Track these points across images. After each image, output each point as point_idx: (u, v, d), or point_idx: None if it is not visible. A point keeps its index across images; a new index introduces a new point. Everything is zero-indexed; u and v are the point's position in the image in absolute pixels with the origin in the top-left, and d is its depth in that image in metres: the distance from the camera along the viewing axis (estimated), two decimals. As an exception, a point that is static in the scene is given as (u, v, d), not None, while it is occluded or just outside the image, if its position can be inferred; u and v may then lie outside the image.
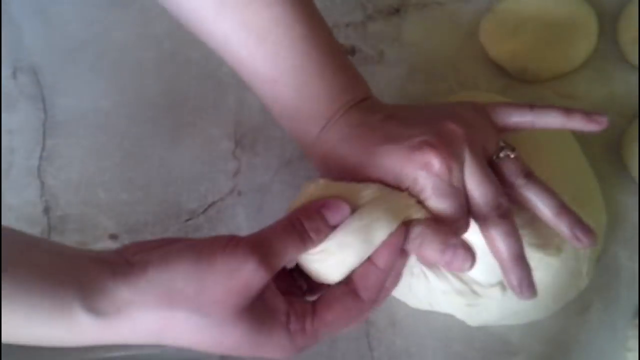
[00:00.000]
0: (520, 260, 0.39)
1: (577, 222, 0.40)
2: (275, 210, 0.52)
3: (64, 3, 0.61)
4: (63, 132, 0.56)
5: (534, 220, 0.43)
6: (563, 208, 0.40)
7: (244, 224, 0.52)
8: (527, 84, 0.54)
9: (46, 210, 0.53)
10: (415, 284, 0.46)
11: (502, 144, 0.42)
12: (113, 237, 0.52)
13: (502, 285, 0.43)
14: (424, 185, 0.38)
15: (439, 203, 0.38)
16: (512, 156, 0.41)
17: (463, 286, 0.44)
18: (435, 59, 0.56)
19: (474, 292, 0.44)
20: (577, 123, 0.43)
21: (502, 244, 0.39)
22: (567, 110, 0.43)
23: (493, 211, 0.39)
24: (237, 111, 0.56)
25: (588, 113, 0.43)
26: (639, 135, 0.49)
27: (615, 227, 0.49)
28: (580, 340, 0.47)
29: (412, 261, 0.44)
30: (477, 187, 0.39)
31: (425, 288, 0.45)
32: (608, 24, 0.55)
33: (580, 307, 0.47)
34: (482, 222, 0.39)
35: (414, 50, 0.57)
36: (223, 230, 0.52)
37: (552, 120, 0.43)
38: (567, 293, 0.46)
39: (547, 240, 0.43)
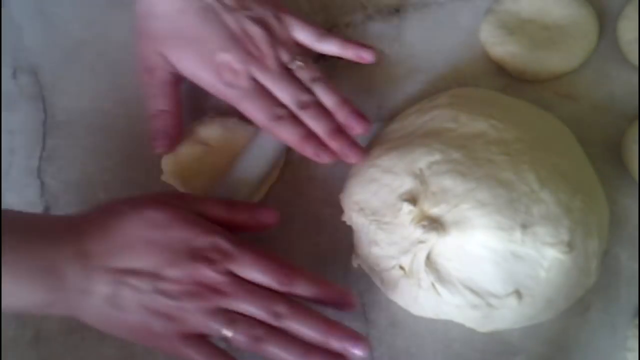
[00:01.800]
0: (336, 133, 0.48)
1: (354, 113, 0.49)
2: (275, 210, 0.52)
3: (64, 3, 0.61)
4: (63, 132, 0.56)
5: (547, 218, 0.43)
6: (343, 98, 0.50)
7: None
8: (527, 84, 0.54)
9: (46, 210, 0.53)
10: (423, 297, 0.45)
11: (295, 53, 0.50)
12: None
13: (517, 293, 0.43)
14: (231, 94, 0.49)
15: (247, 106, 0.49)
16: (301, 64, 0.49)
17: (478, 300, 0.43)
18: (435, 59, 0.56)
19: (490, 305, 0.44)
20: (350, 54, 0.52)
21: (316, 127, 0.48)
22: (344, 42, 0.52)
23: (297, 105, 0.48)
24: (237, 111, 0.56)
25: (360, 47, 0.52)
26: (639, 135, 0.49)
27: (616, 227, 0.49)
28: (580, 341, 0.47)
29: (421, 274, 0.44)
30: (277, 89, 0.49)
31: (435, 301, 0.45)
32: (608, 24, 0.55)
33: (580, 307, 0.47)
34: (298, 115, 0.48)
35: (414, 50, 0.57)
36: (223, 231, 0.52)
37: (331, 47, 0.52)
38: (577, 291, 0.46)
39: (559, 239, 0.43)
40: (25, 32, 0.60)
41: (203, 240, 0.43)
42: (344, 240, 0.50)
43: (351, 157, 0.48)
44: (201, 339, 0.43)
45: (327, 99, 0.49)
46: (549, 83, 0.54)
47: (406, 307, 0.47)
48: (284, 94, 0.49)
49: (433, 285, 0.44)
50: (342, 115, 0.49)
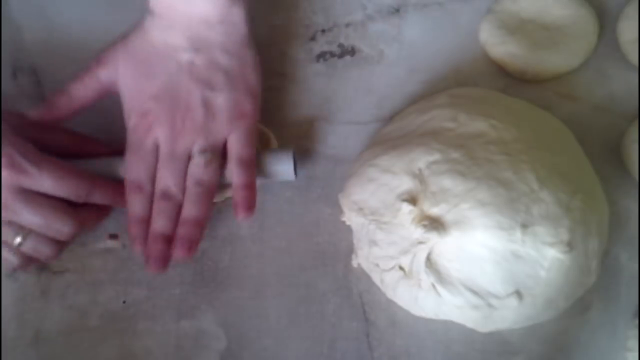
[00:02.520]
0: (161, 240, 0.46)
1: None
2: (275, 210, 0.52)
3: (64, 3, 0.61)
4: (63, 132, 0.56)
5: (547, 218, 0.43)
6: (201, 220, 0.47)
7: (244, 224, 0.52)
8: (527, 84, 0.54)
9: (46, 210, 0.53)
10: (423, 297, 0.45)
11: (207, 150, 0.48)
12: (113, 237, 0.52)
13: (518, 293, 0.43)
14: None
15: (131, 156, 0.48)
16: (204, 163, 0.47)
17: (479, 300, 0.44)
18: (435, 59, 0.57)
19: (491, 306, 0.44)
20: (236, 197, 0.48)
21: (156, 220, 0.47)
22: (245, 186, 0.48)
23: (160, 193, 0.47)
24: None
25: (246, 202, 0.48)
26: (639, 135, 0.49)
27: (616, 227, 0.49)
28: (580, 341, 0.47)
29: (421, 274, 0.44)
30: (161, 168, 0.47)
31: (435, 302, 0.45)
32: (608, 24, 0.55)
33: (580, 307, 0.47)
34: (155, 197, 0.47)
35: (414, 50, 0.57)
36: (223, 231, 0.52)
37: (234, 177, 0.48)
38: (577, 291, 0.46)
39: (559, 238, 0.43)
40: (25, 32, 0.60)
41: (5, 149, 0.44)
42: (344, 240, 0.50)
43: (152, 267, 0.46)
44: None
45: (189, 208, 0.47)
46: (549, 83, 0.54)
47: (406, 308, 0.47)
48: (162, 174, 0.47)
49: (433, 285, 0.44)
50: (181, 231, 0.46)
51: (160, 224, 0.46)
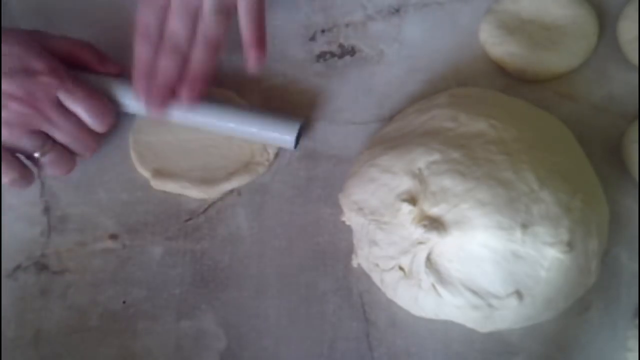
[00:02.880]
0: (166, 88, 0.49)
1: None
2: (275, 210, 0.52)
3: (64, 3, 0.61)
4: (63, 132, 0.56)
5: (547, 218, 0.43)
6: None
7: (244, 224, 0.52)
8: (527, 84, 0.54)
9: (46, 210, 0.53)
10: (423, 297, 0.45)
11: (220, 7, 0.48)
12: (113, 237, 0.52)
13: (518, 293, 0.43)
14: None
15: None
16: (215, 20, 0.48)
17: (479, 300, 0.44)
18: (435, 59, 0.57)
19: (491, 306, 0.44)
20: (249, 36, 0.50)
21: (162, 68, 0.49)
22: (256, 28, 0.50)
23: (169, 43, 0.48)
24: (237, 111, 0.56)
25: (260, 40, 0.50)
26: (639, 135, 0.49)
27: (616, 227, 0.49)
28: (580, 341, 0.46)
29: (421, 275, 0.44)
30: (171, 19, 0.48)
31: (435, 302, 0.45)
32: (608, 24, 0.56)
33: (580, 307, 0.47)
34: (163, 47, 0.49)
35: (414, 50, 0.57)
36: (223, 231, 0.52)
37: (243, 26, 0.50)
38: (577, 291, 0.46)
39: (559, 238, 0.43)
40: (25, 32, 0.60)
41: (40, 61, 0.48)
42: (344, 241, 0.50)
43: (147, 107, 0.50)
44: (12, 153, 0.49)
45: (196, 60, 0.49)
46: (549, 83, 0.54)
47: (406, 308, 0.47)
48: (172, 26, 0.48)
49: (433, 286, 0.44)
50: (187, 78, 0.49)
51: (165, 65, 0.48)
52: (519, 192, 0.43)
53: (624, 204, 0.50)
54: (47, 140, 0.49)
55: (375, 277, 0.48)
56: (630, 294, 0.47)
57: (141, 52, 0.49)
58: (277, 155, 0.54)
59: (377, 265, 0.47)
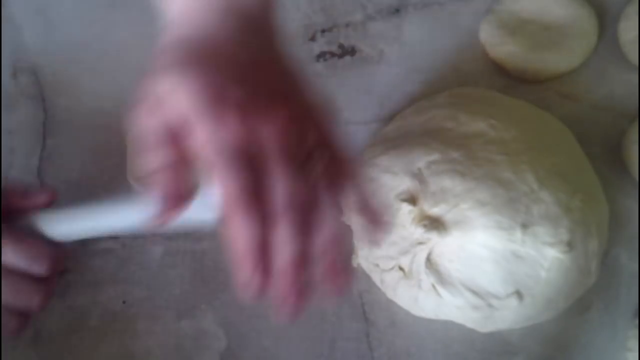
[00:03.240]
0: (299, 268, 0.33)
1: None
2: (275, 210, 0.52)
3: (64, 3, 0.61)
4: (63, 132, 0.56)
5: (546, 218, 0.43)
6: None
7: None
8: (527, 84, 0.54)
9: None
10: (423, 298, 0.45)
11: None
12: (113, 237, 0.52)
13: (518, 293, 0.43)
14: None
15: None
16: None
17: (479, 301, 0.44)
18: (435, 59, 0.56)
19: (491, 306, 0.44)
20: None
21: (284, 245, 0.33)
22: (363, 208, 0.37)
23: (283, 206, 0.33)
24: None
25: (376, 222, 0.37)
26: (639, 136, 0.49)
27: (616, 227, 0.48)
28: (580, 341, 0.46)
29: (421, 275, 0.44)
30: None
31: (435, 302, 0.45)
32: (608, 24, 0.55)
33: (580, 307, 0.47)
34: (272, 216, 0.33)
35: (414, 50, 0.57)
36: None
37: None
38: (577, 291, 0.46)
39: (559, 238, 0.43)
40: (25, 32, 0.60)
41: None
42: (343, 241, 0.50)
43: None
44: None
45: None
46: (549, 83, 0.54)
47: (406, 308, 0.47)
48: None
49: (434, 286, 0.44)
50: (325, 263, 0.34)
51: (292, 247, 0.32)
52: (518, 192, 0.43)
53: (624, 204, 0.50)
54: None
55: (375, 277, 0.48)
56: (630, 294, 0.47)
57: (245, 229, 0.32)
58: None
59: (377, 265, 0.47)
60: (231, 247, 0.33)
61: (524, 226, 0.43)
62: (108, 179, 0.54)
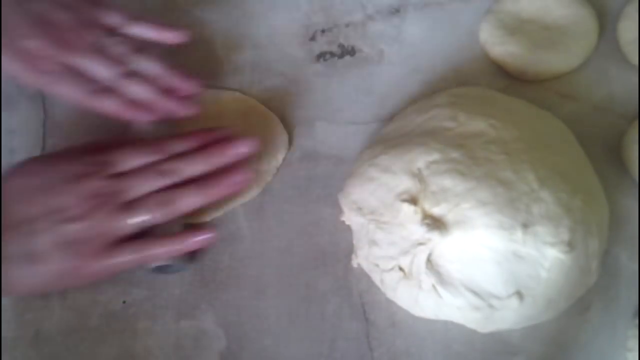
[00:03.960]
0: (162, 93, 0.50)
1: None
2: (275, 210, 0.52)
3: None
4: (63, 132, 0.56)
5: (547, 218, 0.43)
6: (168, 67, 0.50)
7: (244, 224, 0.52)
8: (527, 84, 0.54)
9: (46, 210, 0.53)
10: (423, 298, 0.45)
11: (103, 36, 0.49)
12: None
13: (519, 294, 0.43)
14: None
15: (61, 88, 0.49)
16: (111, 41, 0.49)
17: (480, 301, 0.43)
18: (435, 59, 0.57)
19: (491, 307, 0.44)
20: (153, 35, 0.51)
21: (139, 92, 0.49)
22: (152, 26, 0.51)
23: (116, 77, 0.49)
24: (237, 111, 0.56)
25: (165, 29, 0.51)
26: (639, 136, 0.49)
27: (616, 227, 0.48)
28: (580, 341, 0.46)
29: (421, 276, 0.44)
30: (90, 67, 0.49)
31: (435, 303, 0.45)
32: (608, 24, 0.55)
33: (580, 307, 0.47)
34: (118, 86, 0.49)
35: (414, 50, 0.57)
36: (223, 230, 0.52)
37: (140, 31, 0.51)
38: (577, 291, 0.46)
39: (560, 238, 0.43)
40: (25, 32, 0.60)
41: (78, 163, 0.46)
42: (344, 241, 0.50)
43: (182, 110, 0.50)
44: (122, 245, 0.46)
45: (150, 66, 0.50)
46: (549, 83, 0.54)
47: (406, 308, 0.47)
48: (98, 69, 0.48)
49: (434, 287, 0.44)
50: (168, 78, 0.50)
51: (147, 86, 0.49)
52: (519, 192, 0.43)
53: (624, 204, 0.50)
54: (136, 202, 0.47)
55: (375, 278, 0.48)
56: (630, 294, 0.47)
57: (109, 103, 0.49)
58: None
59: (377, 265, 0.47)
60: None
61: (525, 226, 0.43)
62: (108, 179, 0.54)
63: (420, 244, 0.44)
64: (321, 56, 0.58)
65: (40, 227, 0.43)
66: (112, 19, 0.50)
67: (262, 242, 0.51)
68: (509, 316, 0.44)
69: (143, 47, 0.50)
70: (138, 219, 0.46)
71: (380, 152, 0.49)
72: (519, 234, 0.42)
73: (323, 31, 0.59)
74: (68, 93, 0.49)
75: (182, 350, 0.48)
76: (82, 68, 0.48)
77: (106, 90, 0.49)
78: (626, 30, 0.54)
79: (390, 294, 0.47)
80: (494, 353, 0.47)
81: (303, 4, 0.60)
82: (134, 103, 0.49)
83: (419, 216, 0.44)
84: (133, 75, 0.49)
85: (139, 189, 0.46)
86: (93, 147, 0.48)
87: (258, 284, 0.50)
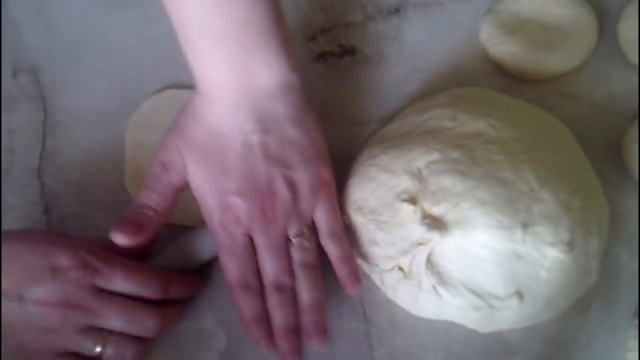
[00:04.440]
0: (290, 333, 0.44)
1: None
2: (275, 210, 0.52)
3: (64, 3, 0.61)
4: (63, 132, 0.56)
5: (547, 217, 0.43)
6: (320, 300, 0.45)
7: (244, 224, 0.52)
8: (527, 84, 0.54)
9: (46, 210, 0.53)
10: (423, 298, 0.45)
11: (304, 230, 0.46)
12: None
13: (519, 294, 0.43)
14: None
15: (226, 258, 0.46)
16: (304, 244, 0.46)
17: (480, 301, 0.43)
18: (435, 59, 0.57)
19: (492, 307, 0.43)
20: (340, 272, 0.46)
21: (276, 315, 0.44)
22: (343, 260, 0.46)
23: (274, 285, 0.45)
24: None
25: (351, 278, 0.46)
26: (639, 136, 0.49)
27: (616, 227, 0.49)
28: (580, 341, 0.46)
29: (421, 276, 0.44)
30: (265, 259, 0.45)
31: (436, 303, 0.45)
32: (608, 24, 0.55)
33: (580, 307, 0.47)
34: (268, 292, 0.45)
35: (414, 50, 0.57)
36: (223, 231, 0.52)
37: (330, 251, 0.47)
38: (577, 291, 0.46)
39: (559, 238, 0.43)
40: (25, 32, 0.60)
41: (65, 256, 0.43)
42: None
43: (317, 343, 0.44)
44: (75, 357, 0.44)
45: (306, 293, 0.45)
46: (549, 83, 0.54)
47: (406, 308, 0.47)
48: (268, 265, 0.45)
49: (434, 287, 0.44)
50: (308, 320, 0.45)
51: (283, 317, 0.44)
52: (519, 192, 0.43)
53: (624, 204, 0.50)
54: (100, 332, 0.43)
55: (375, 277, 0.48)
56: (630, 294, 0.47)
57: (247, 308, 0.44)
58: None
59: (376, 265, 0.47)
60: (239, 314, 0.45)
61: (525, 226, 0.43)
62: (108, 179, 0.54)
63: (420, 244, 0.44)
64: (321, 56, 0.58)
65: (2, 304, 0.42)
66: (322, 222, 0.47)
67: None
68: (509, 316, 0.44)
69: (315, 261, 0.47)
70: (93, 350, 0.43)
71: (380, 152, 0.49)
72: (518, 233, 0.42)
73: (323, 31, 0.59)
74: (226, 265, 0.45)
75: (182, 350, 0.48)
76: (258, 254, 0.46)
77: (254, 290, 0.45)
78: (626, 30, 0.54)
79: (390, 294, 0.47)
80: (494, 353, 0.47)
81: (303, 4, 0.60)
82: (263, 321, 0.45)
83: (418, 216, 0.44)
84: (287, 290, 0.45)
85: (113, 324, 0.43)
86: (91, 245, 0.45)
87: (258, 284, 0.50)
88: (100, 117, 0.56)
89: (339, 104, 0.56)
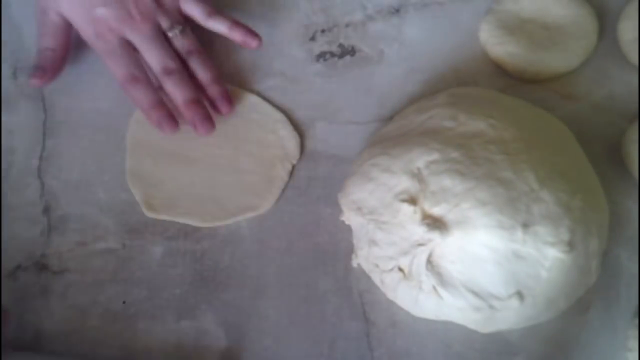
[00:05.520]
0: (192, 103, 0.51)
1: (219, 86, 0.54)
2: (275, 211, 0.52)
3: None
4: (63, 132, 0.56)
5: (547, 217, 0.43)
6: (217, 77, 0.53)
7: (243, 224, 0.52)
8: (527, 84, 0.54)
9: (46, 210, 0.53)
10: (423, 299, 0.45)
11: (175, 24, 0.53)
12: (113, 236, 0.52)
13: (519, 294, 0.43)
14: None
15: (110, 62, 0.52)
16: (178, 33, 0.53)
17: (480, 302, 0.43)
18: (435, 59, 0.57)
19: (492, 307, 0.43)
20: (237, 37, 0.54)
21: (175, 93, 0.51)
22: (233, 24, 0.54)
23: (162, 70, 0.51)
24: (237, 111, 0.56)
25: (247, 32, 0.54)
26: (639, 135, 0.49)
27: (616, 227, 0.49)
28: (581, 341, 0.47)
29: (422, 276, 0.44)
30: (145, 51, 0.52)
31: (436, 304, 0.45)
32: (608, 24, 0.56)
33: (581, 307, 0.47)
34: (160, 79, 0.52)
35: (414, 50, 0.57)
36: (223, 230, 0.52)
37: (219, 27, 0.54)
38: (577, 291, 0.46)
39: (560, 238, 0.43)
40: (25, 32, 0.60)
41: None
42: (344, 241, 0.50)
43: (200, 129, 0.51)
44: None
45: (201, 72, 0.53)
46: (549, 83, 0.54)
47: (406, 309, 0.47)
48: (151, 56, 0.51)
49: (434, 288, 0.44)
50: (213, 92, 0.53)
51: (182, 93, 0.51)
52: (519, 192, 0.43)
53: (624, 204, 0.50)
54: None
55: (375, 278, 0.48)
56: (630, 294, 0.47)
57: (142, 97, 0.51)
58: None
59: (377, 265, 0.47)
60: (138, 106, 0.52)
61: (525, 226, 0.43)
62: (108, 179, 0.54)
63: (420, 244, 0.44)
64: (321, 56, 0.58)
65: None
66: (192, 9, 0.54)
67: (262, 242, 0.51)
68: (509, 316, 0.44)
69: (199, 47, 0.53)
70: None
71: (380, 151, 0.49)
72: (519, 233, 0.42)
73: (323, 31, 0.59)
74: (113, 69, 0.52)
75: (182, 350, 0.48)
76: (139, 50, 0.52)
77: (143, 80, 0.51)
78: (626, 30, 0.54)
79: (390, 295, 0.47)
80: (494, 353, 0.47)
81: (303, 4, 0.60)
82: (161, 105, 0.51)
83: (418, 216, 0.44)
84: (177, 72, 0.51)
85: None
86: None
87: (258, 284, 0.50)
88: (100, 117, 0.56)
89: (339, 104, 0.56)
